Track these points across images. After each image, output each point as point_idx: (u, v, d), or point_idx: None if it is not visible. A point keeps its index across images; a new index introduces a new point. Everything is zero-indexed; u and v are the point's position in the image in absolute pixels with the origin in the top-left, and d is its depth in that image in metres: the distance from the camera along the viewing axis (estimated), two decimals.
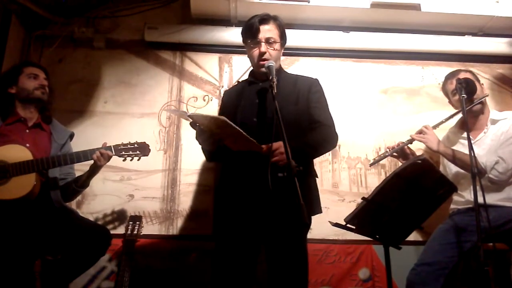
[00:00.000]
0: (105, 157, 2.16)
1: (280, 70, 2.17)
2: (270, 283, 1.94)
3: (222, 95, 2.35)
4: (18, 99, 2.26)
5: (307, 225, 1.88)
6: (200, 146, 2.06)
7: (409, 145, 2.46)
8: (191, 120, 1.90)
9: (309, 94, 2.09)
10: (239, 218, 1.96)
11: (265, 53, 2.01)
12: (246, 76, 3.02)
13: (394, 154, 2.47)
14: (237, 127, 1.77)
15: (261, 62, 2.01)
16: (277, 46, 2.05)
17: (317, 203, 2.03)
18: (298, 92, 2.07)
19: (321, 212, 2.01)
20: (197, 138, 1.98)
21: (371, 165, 2.62)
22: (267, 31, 2.04)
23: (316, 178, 2.09)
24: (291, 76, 2.19)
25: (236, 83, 2.32)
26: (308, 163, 2.06)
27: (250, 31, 2.05)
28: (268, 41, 2.03)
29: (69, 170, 2.37)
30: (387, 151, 2.48)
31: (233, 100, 2.16)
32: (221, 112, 2.24)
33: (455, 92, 2.37)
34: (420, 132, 2.40)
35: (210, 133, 1.92)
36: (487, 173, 2.21)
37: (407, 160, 2.44)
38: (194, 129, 1.94)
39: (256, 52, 2.04)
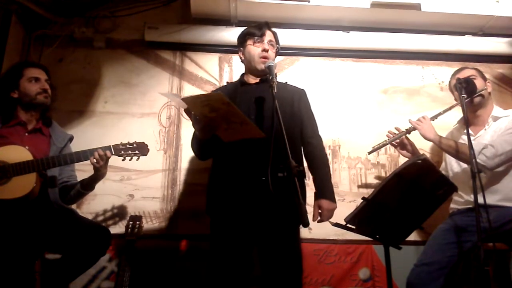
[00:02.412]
0: (103, 158, 2.14)
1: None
2: (265, 283, 1.96)
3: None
4: (21, 104, 2.24)
5: (307, 225, 1.89)
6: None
7: (408, 136, 2.52)
8: (185, 106, 1.90)
9: (300, 99, 2.22)
10: (232, 218, 1.99)
11: (268, 50, 2.14)
12: None
13: (393, 143, 2.54)
14: (234, 105, 1.77)
15: (262, 58, 2.13)
16: (274, 50, 2.20)
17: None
18: (292, 95, 2.20)
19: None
20: (193, 125, 2.00)
21: (370, 153, 2.63)
22: (270, 35, 2.21)
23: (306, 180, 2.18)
24: (281, 83, 2.24)
25: (226, 83, 2.37)
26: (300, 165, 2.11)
27: (259, 30, 2.19)
28: (270, 42, 2.18)
29: (71, 172, 2.36)
30: (386, 140, 2.53)
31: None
32: None
33: (455, 88, 2.39)
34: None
35: (205, 120, 1.91)
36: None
37: (405, 150, 2.54)
38: (189, 117, 1.98)
39: (260, 47, 2.16)
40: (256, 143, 1.91)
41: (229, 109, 1.78)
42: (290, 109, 2.13)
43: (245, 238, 1.99)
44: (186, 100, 1.84)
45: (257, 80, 2.19)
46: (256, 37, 2.18)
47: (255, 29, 2.21)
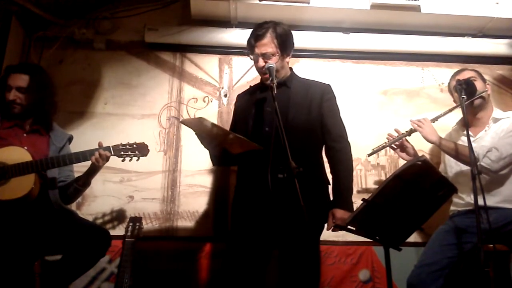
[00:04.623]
0: (104, 158, 2.15)
1: (292, 76, 2.19)
2: (280, 286, 1.95)
3: (235, 99, 2.38)
4: None
5: (309, 226, 1.89)
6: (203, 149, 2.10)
7: (408, 138, 2.49)
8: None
9: (321, 102, 2.11)
10: (251, 223, 1.99)
11: (262, 67, 2.04)
12: (246, 78, 3.10)
13: (393, 145, 2.52)
14: (212, 123, 1.81)
15: (265, 76, 2.05)
16: (274, 58, 2.05)
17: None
18: (310, 100, 2.10)
19: None
20: (201, 143, 2.05)
21: (369, 155, 2.60)
22: (262, 46, 2.05)
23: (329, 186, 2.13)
24: (303, 82, 2.19)
25: (249, 87, 2.34)
26: (321, 173, 2.11)
27: (249, 46, 2.10)
28: (264, 56, 2.05)
29: (69, 172, 2.36)
30: (386, 142, 2.51)
31: (245, 107, 2.19)
32: (234, 118, 2.30)
33: (455, 89, 2.39)
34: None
35: (209, 139, 1.97)
36: (479, 161, 2.19)
37: (405, 152, 2.52)
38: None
39: (256, 62, 2.09)
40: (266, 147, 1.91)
41: (215, 129, 1.84)
42: (308, 114, 2.06)
43: (265, 242, 1.98)
44: (185, 122, 1.91)
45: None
46: (250, 55, 2.11)
47: (247, 44, 2.10)
